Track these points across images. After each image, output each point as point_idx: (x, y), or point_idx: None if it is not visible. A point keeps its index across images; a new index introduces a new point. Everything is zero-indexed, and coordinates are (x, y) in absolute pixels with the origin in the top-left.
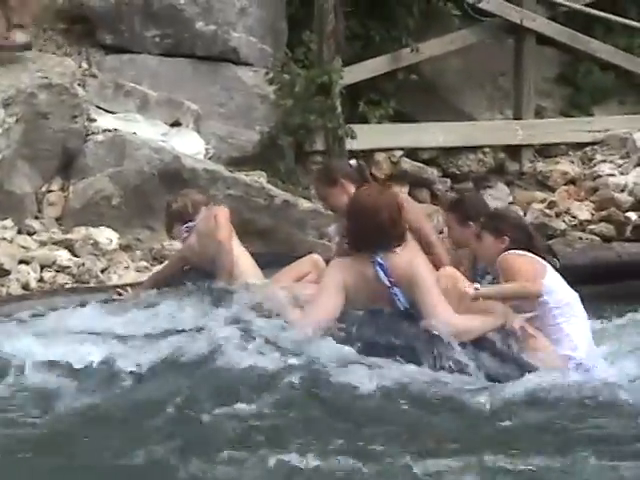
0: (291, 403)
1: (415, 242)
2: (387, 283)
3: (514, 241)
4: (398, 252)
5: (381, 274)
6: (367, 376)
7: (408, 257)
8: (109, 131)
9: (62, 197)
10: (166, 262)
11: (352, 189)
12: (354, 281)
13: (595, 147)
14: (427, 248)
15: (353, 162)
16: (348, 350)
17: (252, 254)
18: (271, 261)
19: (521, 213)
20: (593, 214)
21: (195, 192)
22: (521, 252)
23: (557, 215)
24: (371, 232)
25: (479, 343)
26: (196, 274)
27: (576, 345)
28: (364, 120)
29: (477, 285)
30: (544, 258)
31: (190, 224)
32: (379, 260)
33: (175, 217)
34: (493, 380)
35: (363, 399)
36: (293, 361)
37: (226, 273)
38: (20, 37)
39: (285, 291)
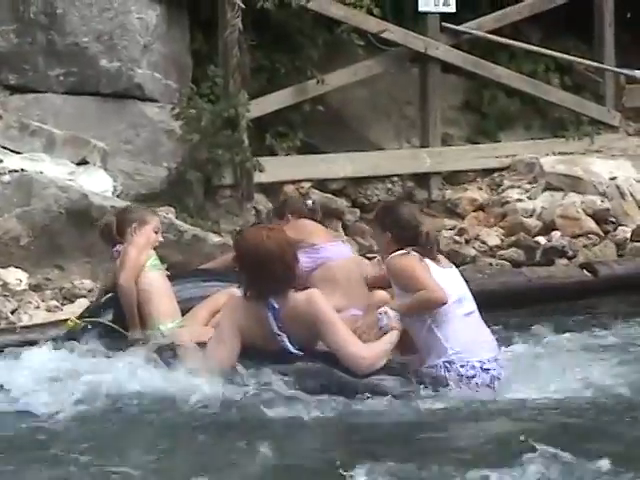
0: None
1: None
2: (275, 329)
3: (398, 238)
4: (292, 293)
5: (271, 319)
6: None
7: (304, 297)
8: (15, 171)
9: None
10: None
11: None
12: (248, 323)
13: (502, 173)
14: None
15: (310, 202)
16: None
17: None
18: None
19: None
20: (503, 239)
21: (130, 210)
22: (404, 252)
23: (467, 242)
24: (264, 279)
25: None
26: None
27: (447, 348)
28: (272, 152)
29: (384, 308)
30: (429, 256)
31: (118, 247)
32: (273, 304)
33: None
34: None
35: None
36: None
37: (129, 317)
38: None
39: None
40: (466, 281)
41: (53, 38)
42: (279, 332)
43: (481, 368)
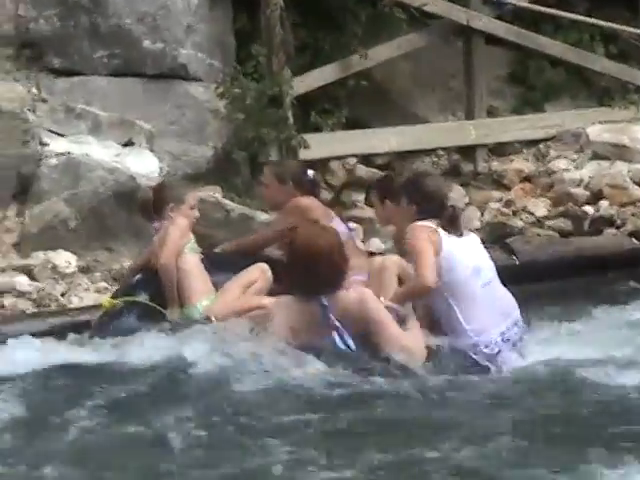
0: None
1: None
2: (331, 324)
3: (423, 210)
4: (343, 291)
5: (324, 316)
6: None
7: (356, 296)
8: (62, 154)
9: (19, 223)
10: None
11: (297, 196)
12: (297, 319)
13: (549, 143)
14: None
15: (310, 172)
16: None
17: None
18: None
19: (478, 213)
20: (550, 210)
21: (166, 187)
22: (425, 223)
23: (514, 213)
24: (316, 276)
25: None
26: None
27: (467, 330)
28: (317, 129)
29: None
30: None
31: (156, 225)
32: (323, 302)
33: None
34: None
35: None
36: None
37: (169, 296)
38: None
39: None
40: (514, 252)
41: (96, 20)
42: (337, 328)
43: (502, 340)
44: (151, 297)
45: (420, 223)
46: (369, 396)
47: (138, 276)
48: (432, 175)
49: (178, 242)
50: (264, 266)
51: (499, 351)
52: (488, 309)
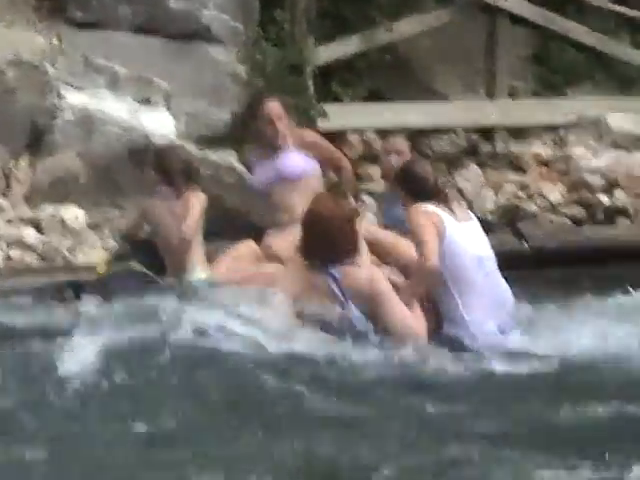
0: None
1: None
2: (342, 298)
3: (410, 193)
4: (354, 266)
5: (335, 289)
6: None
7: (367, 274)
8: (78, 108)
9: (30, 174)
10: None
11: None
12: (303, 287)
13: (568, 129)
14: None
15: None
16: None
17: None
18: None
19: (492, 194)
20: (565, 196)
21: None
22: (425, 207)
23: (529, 197)
24: (326, 243)
25: None
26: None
27: (467, 321)
28: (337, 99)
29: None
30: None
31: (163, 188)
32: (334, 274)
33: (164, 173)
34: None
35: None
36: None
37: (177, 265)
38: None
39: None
40: (525, 237)
41: None
42: (347, 301)
43: (498, 330)
44: (146, 263)
45: (422, 205)
46: (370, 376)
47: (130, 243)
48: (419, 161)
49: (200, 214)
50: (251, 243)
51: (495, 341)
52: (488, 300)
